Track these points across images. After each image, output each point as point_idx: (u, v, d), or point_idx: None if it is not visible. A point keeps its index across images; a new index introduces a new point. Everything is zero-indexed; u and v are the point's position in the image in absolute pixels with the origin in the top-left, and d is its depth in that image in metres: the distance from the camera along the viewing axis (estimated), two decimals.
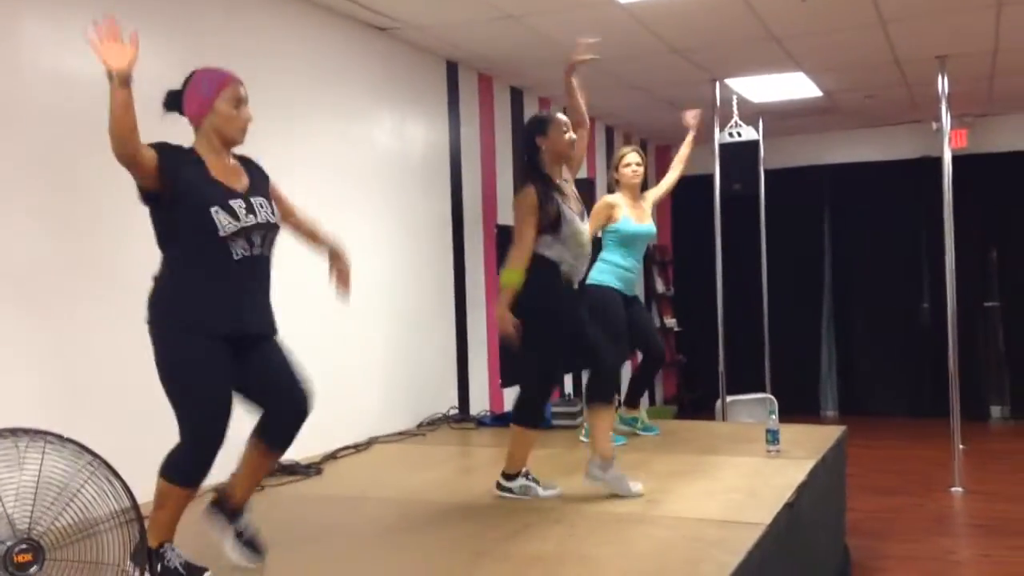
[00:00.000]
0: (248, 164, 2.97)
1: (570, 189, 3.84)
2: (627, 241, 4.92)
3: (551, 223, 3.67)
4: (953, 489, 6.18)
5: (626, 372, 5.49)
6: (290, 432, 2.94)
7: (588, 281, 4.83)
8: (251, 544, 2.90)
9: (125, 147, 2.52)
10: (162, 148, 2.68)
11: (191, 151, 2.80)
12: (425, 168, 5.98)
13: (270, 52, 4.63)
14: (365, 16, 5.22)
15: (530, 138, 3.79)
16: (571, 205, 3.76)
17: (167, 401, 2.73)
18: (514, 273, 3.64)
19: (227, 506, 2.91)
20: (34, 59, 3.52)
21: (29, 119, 3.47)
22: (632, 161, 5.00)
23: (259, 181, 2.96)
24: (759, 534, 3.03)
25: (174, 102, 2.86)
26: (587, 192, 5.28)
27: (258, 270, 2.87)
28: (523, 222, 3.67)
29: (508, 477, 3.77)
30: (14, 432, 2.01)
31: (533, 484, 3.76)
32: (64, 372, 3.55)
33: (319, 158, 4.98)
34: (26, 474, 2.01)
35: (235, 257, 2.76)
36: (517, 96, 7.12)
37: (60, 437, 2.14)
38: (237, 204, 2.77)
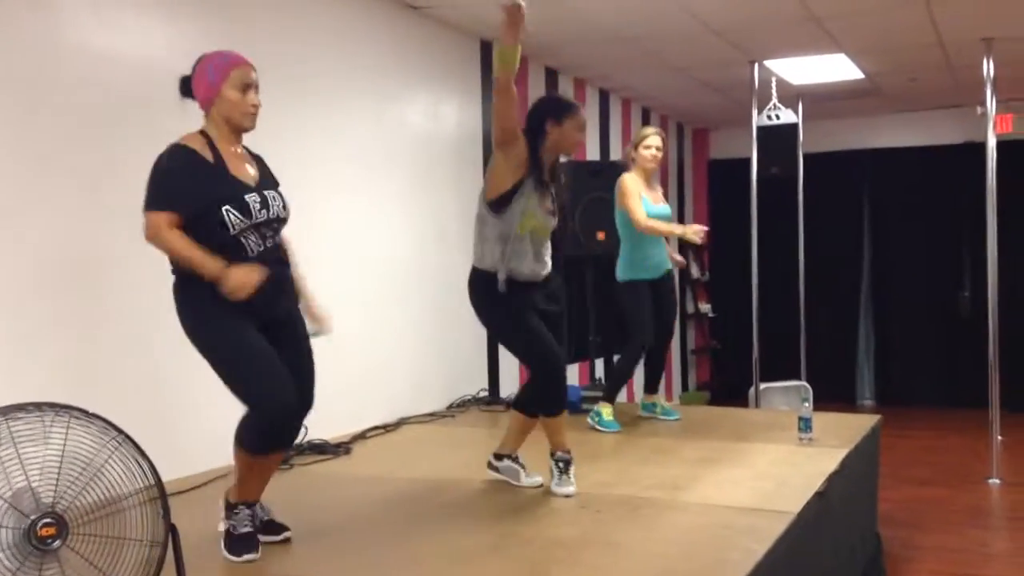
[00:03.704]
0: (257, 158, 2.93)
1: (553, 188, 3.52)
2: None
3: (501, 197, 3.37)
4: (990, 481, 6.07)
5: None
6: (296, 428, 2.98)
7: (619, 278, 4.89)
8: (271, 527, 2.98)
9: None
10: (183, 194, 2.67)
11: (200, 138, 2.76)
12: (458, 149, 5.96)
13: (301, 32, 4.62)
14: None
15: (541, 118, 3.46)
16: (543, 200, 3.43)
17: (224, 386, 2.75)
18: (506, 49, 3.32)
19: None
20: (71, 35, 3.54)
21: (65, 94, 3.48)
22: (654, 144, 4.85)
23: (268, 175, 2.92)
24: (788, 523, 2.99)
25: (188, 88, 2.83)
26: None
27: (272, 258, 2.84)
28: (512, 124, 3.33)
29: (498, 457, 3.76)
30: (39, 407, 2.02)
31: (520, 469, 3.68)
32: (96, 347, 3.59)
33: (351, 139, 4.97)
34: (51, 449, 2.02)
35: (250, 254, 2.75)
36: (552, 77, 7.06)
37: (86, 413, 2.15)
38: (252, 199, 2.75)
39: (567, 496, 3.48)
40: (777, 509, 3.14)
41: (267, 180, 2.89)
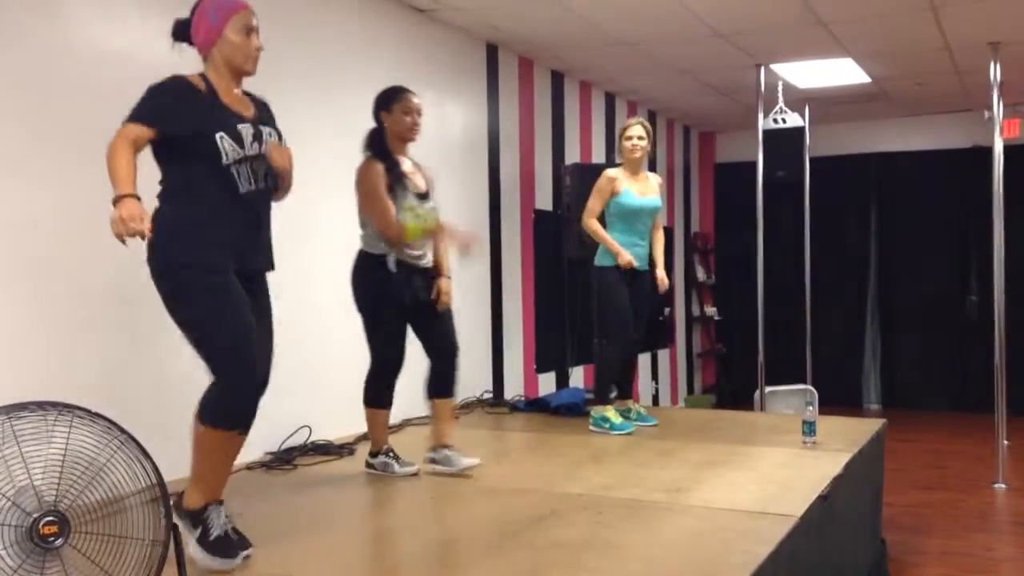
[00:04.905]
0: (260, 103, 2.87)
1: (412, 166, 3.85)
2: (629, 215, 4.78)
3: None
4: (996, 485, 6.05)
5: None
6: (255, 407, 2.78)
7: (595, 263, 4.82)
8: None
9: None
10: (160, 112, 2.58)
11: (199, 77, 2.71)
12: (463, 151, 5.97)
13: (307, 33, 4.64)
14: None
15: (376, 113, 3.81)
16: (413, 183, 3.78)
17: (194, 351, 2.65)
18: (411, 230, 3.65)
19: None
20: (79, 36, 3.56)
21: (71, 94, 3.50)
22: (634, 134, 4.81)
23: (268, 116, 2.86)
24: (790, 526, 2.98)
25: (182, 32, 2.78)
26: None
27: (261, 205, 2.78)
28: (377, 188, 3.66)
29: (372, 455, 3.95)
30: (42, 405, 2.03)
31: (392, 461, 3.89)
32: (95, 348, 3.60)
33: (356, 139, 4.97)
34: (53, 447, 2.03)
35: (240, 190, 2.67)
36: (558, 80, 7.07)
37: (89, 412, 2.16)
38: (245, 129, 2.68)
39: (414, 473, 3.86)
40: (780, 512, 3.13)
41: (265, 118, 2.82)
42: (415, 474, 3.86)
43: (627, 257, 4.69)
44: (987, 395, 6.59)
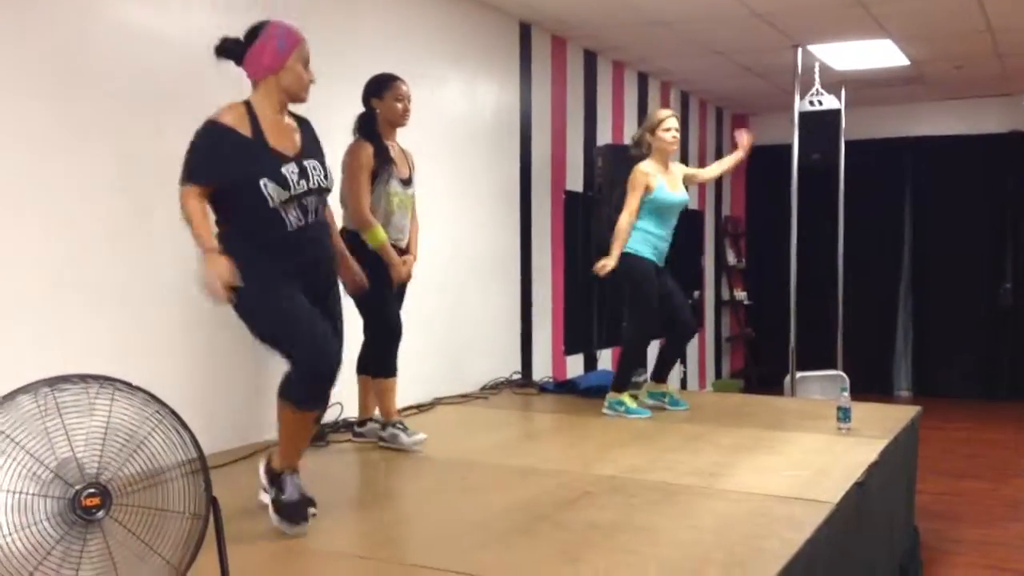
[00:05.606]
0: (303, 124, 2.95)
1: (398, 151, 3.98)
2: (662, 210, 4.71)
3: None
4: None
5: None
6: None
7: (624, 250, 4.74)
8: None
9: None
10: (208, 170, 2.72)
11: (242, 111, 2.78)
12: (495, 131, 5.93)
13: (340, 9, 4.61)
14: None
15: (366, 97, 3.91)
16: (398, 170, 3.92)
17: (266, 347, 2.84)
18: (375, 232, 3.78)
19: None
20: (108, 11, 3.55)
21: (98, 72, 3.49)
22: (673, 127, 4.73)
23: (312, 143, 2.94)
24: (827, 512, 2.95)
25: (234, 52, 2.84)
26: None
27: (312, 235, 2.87)
28: (359, 175, 3.78)
29: (382, 426, 4.05)
30: (84, 378, 2.03)
31: (400, 432, 3.97)
32: (136, 318, 3.62)
33: None
34: (95, 420, 2.03)
35: (289, 228, 2.77)
36: (591, 59, 7.01)
37: (129, 385, 2.16)
38: (289, 170, 2.77)
39: (421, 441, 3.94)
40: (816, 498, 3.11)
41: (310, 148, 2.90)
42: (419, 445, 3.95)
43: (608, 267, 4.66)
44: (1020, 383, 6.50)
